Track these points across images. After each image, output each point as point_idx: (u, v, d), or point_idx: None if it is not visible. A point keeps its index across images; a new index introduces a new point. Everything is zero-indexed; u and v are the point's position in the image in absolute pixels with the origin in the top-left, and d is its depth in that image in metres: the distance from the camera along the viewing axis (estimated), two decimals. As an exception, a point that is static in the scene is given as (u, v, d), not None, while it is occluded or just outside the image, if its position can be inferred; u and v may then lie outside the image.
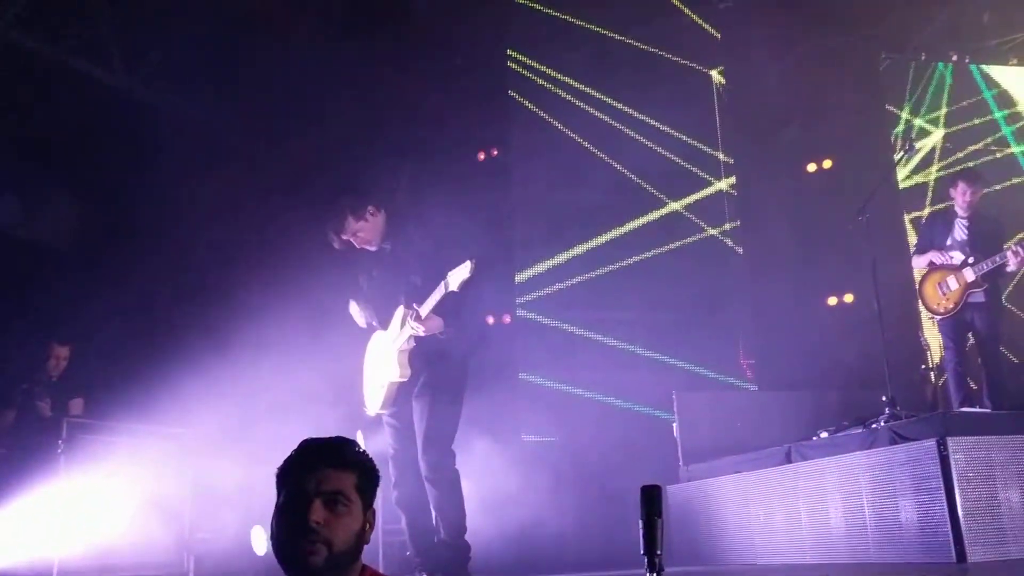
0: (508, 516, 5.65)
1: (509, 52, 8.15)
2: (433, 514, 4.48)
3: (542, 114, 8.06)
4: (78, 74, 6.75)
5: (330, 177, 6.54)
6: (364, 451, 1.87)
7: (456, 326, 4.38)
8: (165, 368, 5.52)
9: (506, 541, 5.64)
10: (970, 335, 6.09)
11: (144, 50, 6.96)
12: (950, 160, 9.40)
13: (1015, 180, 9.56)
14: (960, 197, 6.07)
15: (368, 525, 1.78)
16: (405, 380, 4.47)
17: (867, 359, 6.47)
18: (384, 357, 4.57)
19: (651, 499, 1.61)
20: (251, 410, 5.55)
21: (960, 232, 6.09)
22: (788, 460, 5.20)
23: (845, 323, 7.47)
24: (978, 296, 5.99)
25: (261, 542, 5.33)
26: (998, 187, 9.04)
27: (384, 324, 4.61)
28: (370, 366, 4.72)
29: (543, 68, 8.18)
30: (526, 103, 8.07)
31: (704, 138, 8.52)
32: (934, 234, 6.23)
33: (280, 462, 1.82)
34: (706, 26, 8.58)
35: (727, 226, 8.37)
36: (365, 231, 4.55)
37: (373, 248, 4.64)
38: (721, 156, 8.54)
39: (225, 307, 6.09)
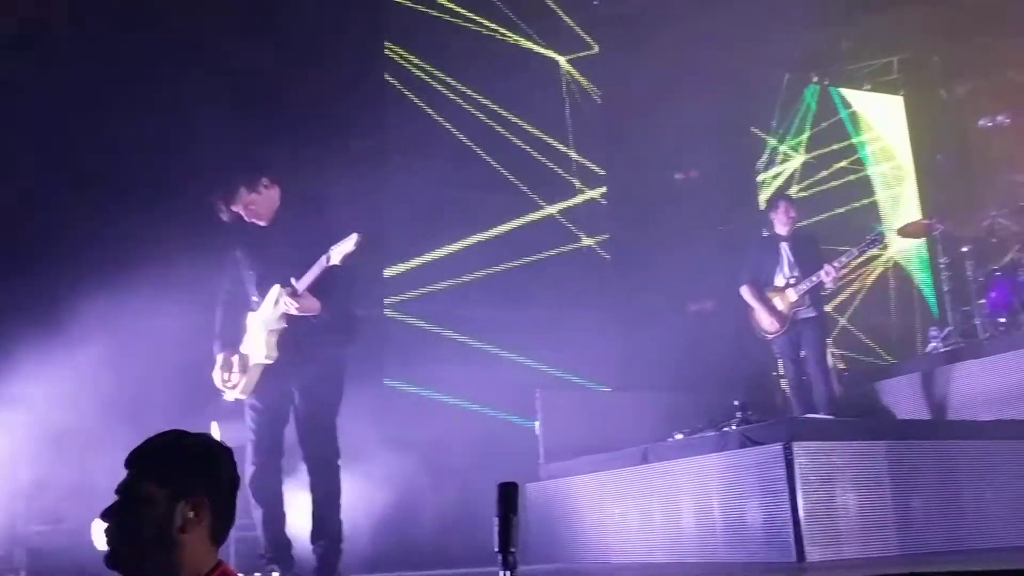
0: (361, 516, 5.56)
1: (387, 45, 8.02)
2: (287, 511, 4.37)
3: (422, 106, 7.94)
4: None
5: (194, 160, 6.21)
6: (175, 440, 1.79)
7: (331, 311, 4.25)
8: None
9: (361, 540, 5.55)
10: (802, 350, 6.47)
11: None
12: (809, 181, 9.92)
13: (864, 201, 10.20)
14: (784, 215, 6.47)
15: (184, 515, 1.69)
16: (271, 362, 4.31)
17: (723, 364, 6.74)
18: (252, 337, 4.40)
19: (507, 496, 1.61)
20: (92, 399, 5.24)
21: (786, 255, 6.45)
22: (645, 460, 5.35)
23: (705, 329, 7.74)
24: (807, 312, 6.35)
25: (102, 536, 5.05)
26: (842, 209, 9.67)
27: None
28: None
29: (421, 62, 8.06)
30: (406, 92, 7.93)
31: (577, 144, 8.59)
32: (764, 260, 6.55)
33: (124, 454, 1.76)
34: (581, 32, 8.71)
35: (600, 237, 8.45)
36: (257, 204, 4.38)
37: (263, 223, 4.47)
38: (590, 164, 8.61)
39: (66, 297, 5.67)
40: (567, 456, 6.23)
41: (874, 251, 7.51)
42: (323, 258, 4.05)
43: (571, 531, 5.87)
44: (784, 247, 6.45)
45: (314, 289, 4.17)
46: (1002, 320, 6.84)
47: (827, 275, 6.16)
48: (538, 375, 7.47)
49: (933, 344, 7.36)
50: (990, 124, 8.45)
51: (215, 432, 4.81)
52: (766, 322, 6.39)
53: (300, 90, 7.01)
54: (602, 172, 8.58)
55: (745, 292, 6.49)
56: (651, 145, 8.31)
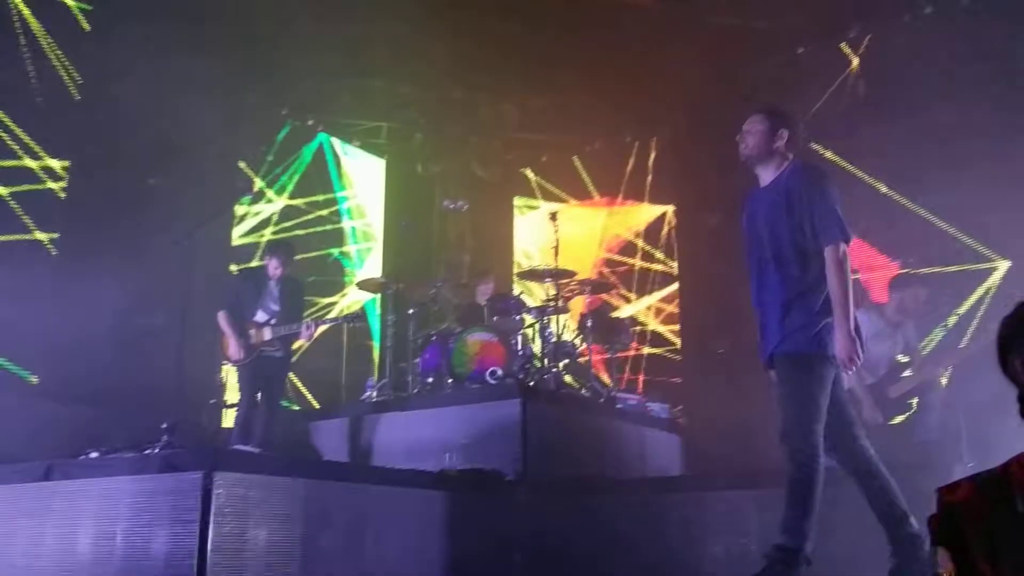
0: None
1: None
2: None
3: None
4: None
5: None
6: None
7: None
8: None
9: None
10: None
11: None
12: (289, 224, 10.08)
13: (336, 250, 10.65)
14: (274, 268, 7.10)
15: None
16: None
17: (162, 385, 6.37)
18: None
19: None
20: None
21: (272, 293, 7.08)
22: (47, 478, 4.75)
23: (150, 347, 7.26)
24: (275, 352, 6.98)
25: None
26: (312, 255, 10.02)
27: None
28: None
29: None
30: None
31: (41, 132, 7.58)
32: (246, 291, 7.09)
33: None
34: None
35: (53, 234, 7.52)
36: None
37: None
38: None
39: None
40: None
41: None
42: None
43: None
44: (273, 287, 7.08)
45: None
46: (430, 379, 7.54)
47: (307, 330, 6.96)
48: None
49: (368, 393, 7.83)
50: (451, 207, 9.58)
51: None
52: (232, 349, 6.94)
53: None
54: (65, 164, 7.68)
55: (222, 318, 6.94)
56: (127, 147, 7.68)
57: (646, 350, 10.60)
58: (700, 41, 8.60)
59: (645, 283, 10.97)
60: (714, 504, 5.16)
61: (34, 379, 6.95)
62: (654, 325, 10.73)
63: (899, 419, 6.26)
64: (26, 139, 7.22)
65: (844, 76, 8.67)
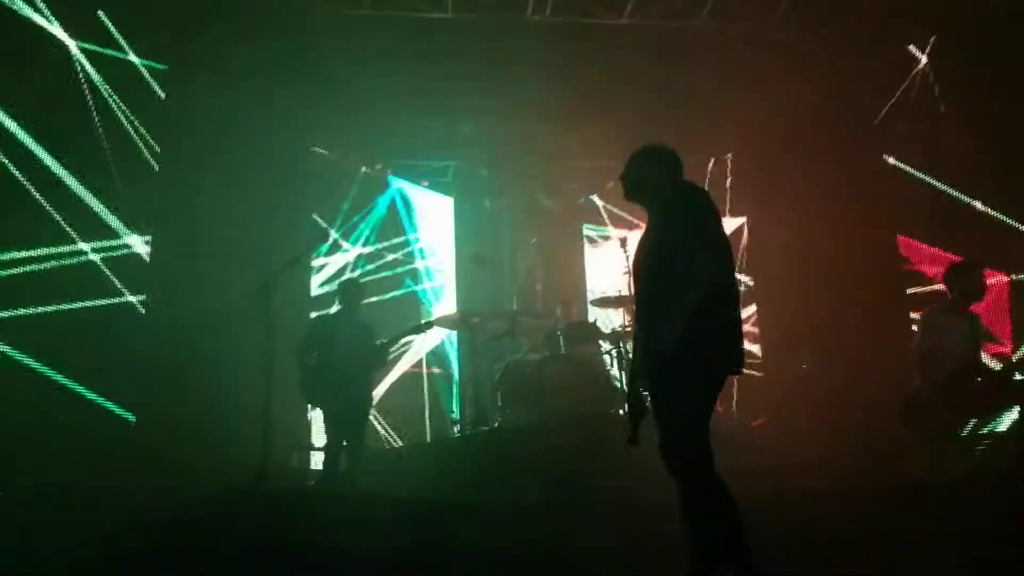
0: None
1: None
2: None
3: None
4: None
5: None
6: None
7: None
8: None
9: None
10: None
11: None
12: (363, 271, 10.31)
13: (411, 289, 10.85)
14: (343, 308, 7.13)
15: None
16: None
17: (253, 430, 6.56)
18: None
19: None
20: None
21: (343, 335, 6.98)
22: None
23: (238, 392, 7.49)
24: (355, 392, 6.86)
25: None
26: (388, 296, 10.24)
27: None
28: None
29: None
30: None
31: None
32: (319, 334, 7.08)
33: None
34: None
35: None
36: None
37: None
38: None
39: None
40: None
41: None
42: None
43: None
44: (343, 328, 7.02)
45: None
46: (508, 410, 7.63)
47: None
48: None
49: (451, 426, 7.94)
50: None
51: None
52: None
53: None
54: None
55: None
56: (203, 206, 7.97)
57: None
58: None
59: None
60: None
61: (132, 417, 7.24)
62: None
63: None
64: (107, 213, 7.47)
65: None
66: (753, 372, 10.40)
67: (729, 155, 10.79)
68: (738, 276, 10.41)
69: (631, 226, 11.32)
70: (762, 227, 10.38)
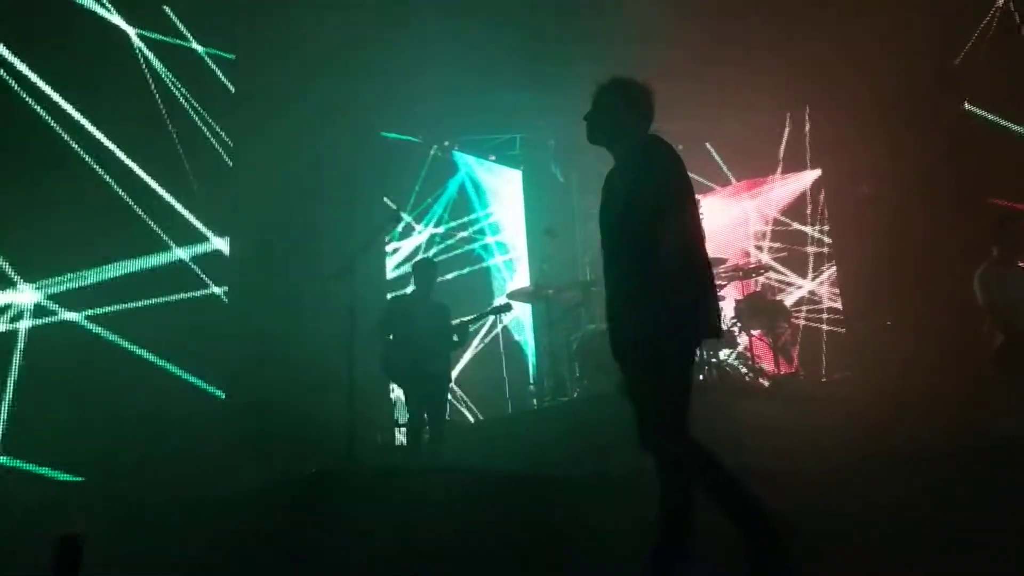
0: None
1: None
2: None
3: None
4: None
5: None
6: None
7: None
8: None
9: None
10: None
11: None
12: (435, 250, 10.37)
13: (482, 265, 10.89)
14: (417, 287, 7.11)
15: None
16: None
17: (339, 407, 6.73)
18: None
19: None
20: None
21: (419, 315, 7.00)
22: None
23: (320, 373, 7.68)
24: (434, 370, 6.92)
25: None
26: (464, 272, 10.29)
27: None
28: None
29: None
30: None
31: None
32: (395, 315, 7.09)
33: None
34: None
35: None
36: None
37: None
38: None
39: None
40: None
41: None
42: None
43: None
44: (419, 308, 7.05)
45: None
46: (586, 381, 7.64)
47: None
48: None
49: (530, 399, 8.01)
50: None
51: None
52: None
53: None
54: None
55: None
56: (278, 198, 8.08)
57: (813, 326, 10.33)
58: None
59: (803, 263, 10.69)
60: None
61: (222, 395, 7.50)
62: (828, 302, 10.47)
63: None
64: (186, 211, 7.65)
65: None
66: (835, 328, 10.22)
67: (807, 107, 10.53)
68: (814, 232, 10.30)
69: (704, 191, 11.16)
70: (841, 180, 10.13)
